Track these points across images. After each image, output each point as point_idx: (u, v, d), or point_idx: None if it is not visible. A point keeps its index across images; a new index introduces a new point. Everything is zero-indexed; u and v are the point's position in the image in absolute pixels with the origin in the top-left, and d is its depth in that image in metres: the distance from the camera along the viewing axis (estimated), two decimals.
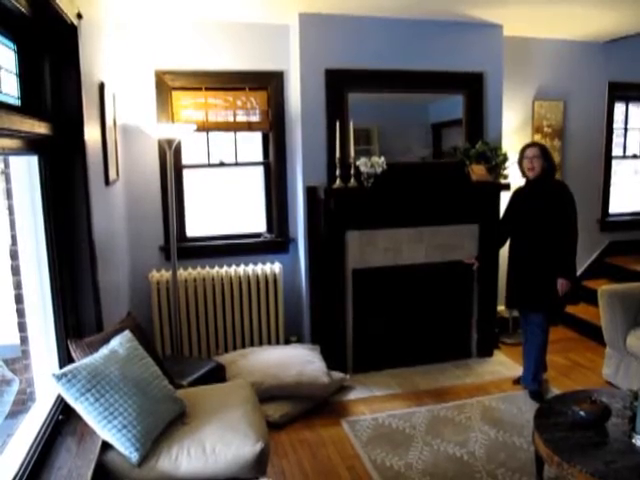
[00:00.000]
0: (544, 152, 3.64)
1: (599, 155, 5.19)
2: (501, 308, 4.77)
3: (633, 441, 2.40)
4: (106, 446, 2.13)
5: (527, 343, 3.80)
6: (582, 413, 2.52)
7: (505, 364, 4.30)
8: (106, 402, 2.08)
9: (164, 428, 2.29)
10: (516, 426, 3.35)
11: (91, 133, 2.67)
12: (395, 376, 4.11)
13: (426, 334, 4.33)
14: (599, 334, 3.98)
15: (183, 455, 2.19)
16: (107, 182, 3.10)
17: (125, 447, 2.10)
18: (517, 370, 4.09)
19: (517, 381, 3.93)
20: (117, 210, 3.63)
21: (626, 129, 5.35)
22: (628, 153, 5.40)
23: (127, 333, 2.43)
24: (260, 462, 2.25)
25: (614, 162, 5.30)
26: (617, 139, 5.31)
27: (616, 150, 5.31)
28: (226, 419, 2.41)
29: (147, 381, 2.29)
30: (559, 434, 2.51)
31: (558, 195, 3.60)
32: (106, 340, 2.35)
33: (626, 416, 2.55)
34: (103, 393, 2.08)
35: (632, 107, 5.33)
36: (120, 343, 2.34)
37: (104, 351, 2.27)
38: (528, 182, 3.74)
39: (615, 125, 5.24)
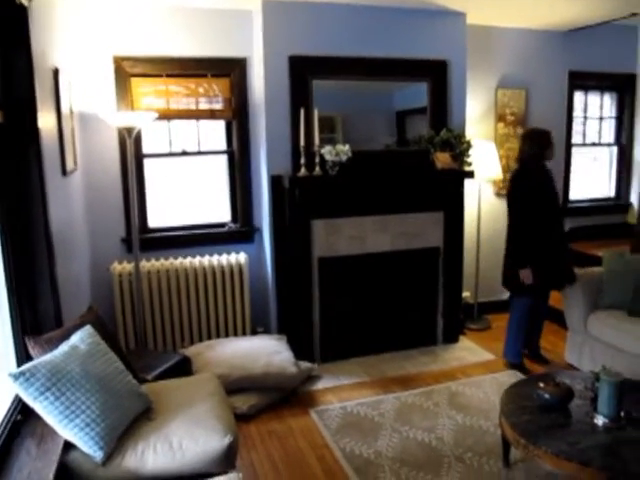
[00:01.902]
0: None
1: (560, 142, 5.25)
2: (466, 294, 4.84)
3: (595, 421, 2.48)
4: (69, 446, 2.07)
5: (535, 318, 4.02)
6: (547, 396, 2.58)
7: (471, 349, 4.36)
8: (67, 400, 2.01)
9: (129, 425, 2.23)
10: (482, 410, 3.41)
11: (45, 121, 2.56)
12: (362, 364, 4.12)
13: (392, 322, 4.35)
14: (561, 318, 4.07)
15: (149, 452, 2.14)
16: (64, 172, 2.99)
17: (89, 446, 2.04)
18: (483, 355, 4.17)
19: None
20: (76, 201, 3.51)
21: (585, 117, 5.46)
22: (587, 141, 5.51)
23: (88, 328, 2.35)
24: (229, 456, 2.23)
25: (574, 149, 5.40)
26: (577, 127, 5.40)
27: (576, 137, 5.41)
28: (193, 413, 2.36)
29: (110, 377, 2.23)
30: (525, 417, 2.56)
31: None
32: (66, 336, 2.28)
33: (588, 397, 2.63)
34: (64, 391, 2.01)
35: (591, 96, 5.43)
36: (81, 338, 2.26)
37: (64, 347, 2.19)
38: (542, 165, 3.84)
39: (575, 113, 5.33)
